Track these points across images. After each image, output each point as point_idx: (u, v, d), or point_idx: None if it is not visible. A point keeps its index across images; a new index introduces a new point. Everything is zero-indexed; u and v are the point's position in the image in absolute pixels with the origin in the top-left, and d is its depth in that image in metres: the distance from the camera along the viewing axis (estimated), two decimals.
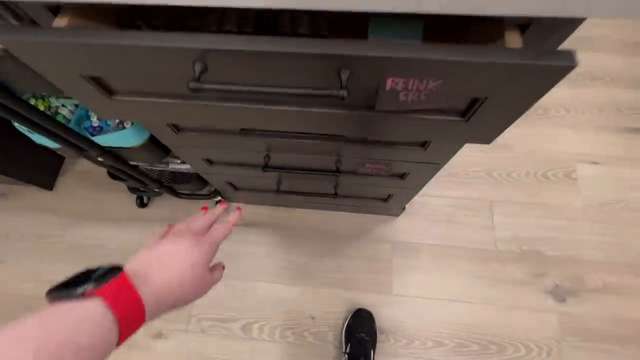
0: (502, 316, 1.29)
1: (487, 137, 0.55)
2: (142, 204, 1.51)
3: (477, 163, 1.52)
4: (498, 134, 0.54)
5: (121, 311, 0.34)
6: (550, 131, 1.55)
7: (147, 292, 0.37)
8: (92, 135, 0.99)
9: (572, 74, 1.63)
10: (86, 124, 1.01)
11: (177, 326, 1.34)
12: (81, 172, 1.60)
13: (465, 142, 0.61)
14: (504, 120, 0.50)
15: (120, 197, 1.51)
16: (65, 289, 0.34)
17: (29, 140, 1.04)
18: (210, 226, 0.50)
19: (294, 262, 1.41)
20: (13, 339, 0.29)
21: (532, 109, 1.59)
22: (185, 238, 0.44)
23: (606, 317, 1.27)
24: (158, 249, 0.42)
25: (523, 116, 1.61)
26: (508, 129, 1.60)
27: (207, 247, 0.45)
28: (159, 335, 1.33)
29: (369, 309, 1.31)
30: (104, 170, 1.44)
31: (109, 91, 0.52)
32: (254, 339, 1.31)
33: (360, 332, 1.25)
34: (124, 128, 0.98)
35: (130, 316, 0.35)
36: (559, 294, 1.31)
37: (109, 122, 1.01)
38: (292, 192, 1.09)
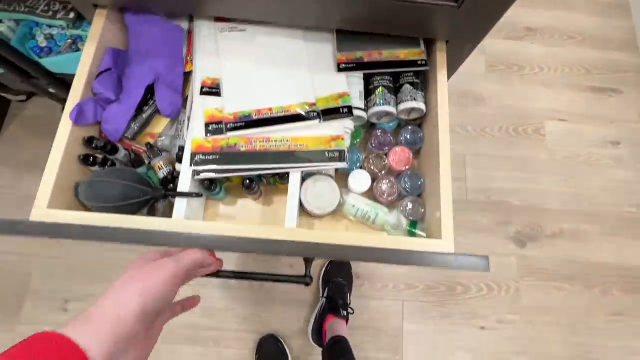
0: None
1: None
2: None
3: (454, 117, 1.57)
4: None
5: None
6: (524, 88, 1.64)
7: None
8: (40, 57, 0.88)
9: (550, 33, 1.73)
10: (31, 44, 0.89)
11: None
12: (31, 117, 1.48)
13: None
14: None
15: None
16: None
17: None
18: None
19: None
20: None
21: (509, 66, 1.68)
22: None
23: (559, 259, 1.43)
24: None
25: (500, 73, 1.77)
26: (485, 84, 1.69)
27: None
28: None
29: None
30: (57, 114, 1.35)
31: None
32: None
33: (338, 277, 1.32)
34: (78, 50, 0.87)
35: None
36: (520, 240, 1.44)
37: (59, 42, 0.89)
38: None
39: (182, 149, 0.62)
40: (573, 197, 1.52)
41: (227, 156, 0.60)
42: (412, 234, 0.61)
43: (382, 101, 0.64)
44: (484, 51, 1.70)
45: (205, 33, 0.69)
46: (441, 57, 0.67)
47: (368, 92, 0.67)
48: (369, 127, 0.72)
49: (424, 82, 0.67)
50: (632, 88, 1.68)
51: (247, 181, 0.61)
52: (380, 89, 0.64)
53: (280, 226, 0.56)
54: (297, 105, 0.63)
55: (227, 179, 0.66)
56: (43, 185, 0.56)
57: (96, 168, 0.61)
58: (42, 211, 0.54)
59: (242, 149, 0.61)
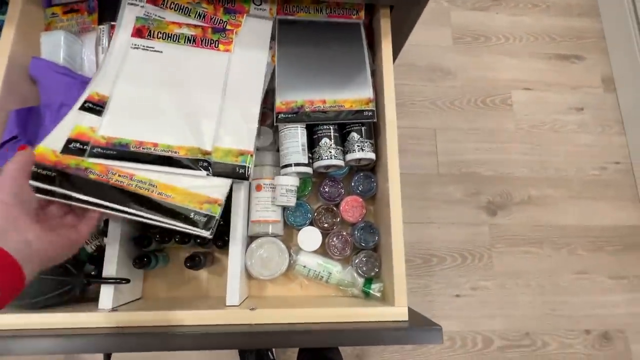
0: (443, 232, 1.36)
1: None
2: None
3: (423, 92, 1.47)
4: None
5: None
6: (490, 59, 1.51)
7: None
8: None
9: (515, 1, 1.58)
10: None
11: None
12: None
13: None
14: None
15: None
16: None
17: None
18: None
19: None
20: None
21: (475, 37, 1.54)
22: None
23: (528, 224, 1.38)
24: None
25: (467, 44, 1.63)
26: (453, 57, 1.56)
27: None
28: None
29: None
30: None
31: None
32: None
33: None
34: None
35: None
36: (491, 209, 1.39)
37: None
38: None
39: (107, 222, 0.50)
40: (540, 164, 1.45)
41: (69, 178, 0.45)
42: (366, 294, 0.52)
43: (327, 154, 0.52)
44: (449, 23, 1.55)
45: (118, 48, 0.55)
46: (385, 26, 0.57)
47: (312, 142, 0.55)
48: (318, 174, 0.61)
49: (372, 127, 0.55)
50: (593, 54, 1.57)
51: (190, 260, 0.51)
52: (325, 140, 0.52)
53: (223, 304, 0.46)
54: (188, 148, 0.50)
55: (164, 246, 0.54)
56: None
57: None
58: None
59: (91, 176, 0.46)
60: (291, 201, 0.53)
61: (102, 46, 0.57)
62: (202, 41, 0.57)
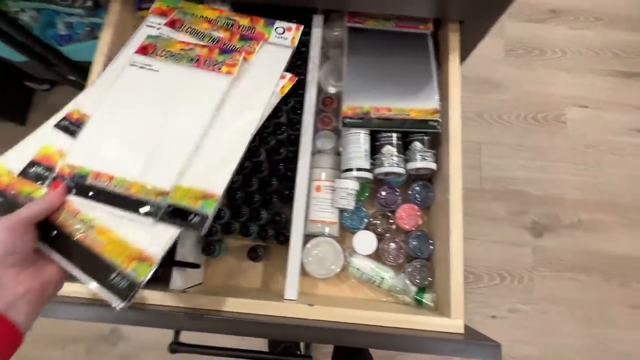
0: (482, 249, 1.35)
1: None
2: None
3: (469, 104, 1.46)
4: None
5: None
6: (545, 73, 1.49)
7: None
8: (60, 45, 0.87)
9: (575, 14, 1.55)
10: (52, 32, 0.87)
11: None
12: (53, 106, 1.43)
13: None
14: None
15: None
16: None
17: None
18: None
19: None
20: None
21: (528, 50, 1.52)
22: None
23: (577, 250, 1.34)
24: None
25: (519, 57, 1.59)
26: (504, 70, 1.53)
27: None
28: None
29: None
30: None
31: None
32: None
33: None
34: (96, 37, 0.77)
35: None
36: (537, 230, 1.37)
37: (78, 30, 0.87)
38: None
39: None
40: (593, 187, 1.41)
41: (11, 206, 0.42)
42: (419, 302, 0.54)
43: (389, 162, 0.55)
44: (502, 34, 1.54)
45: (117, 65, 0.55)
46: (454, 40, 0.59)
47: (374, 148, 0.58)
48: (376, 180, 0.63)
49: (435, 137, 0.57)
50: None
51: (252, 252, 0.54)
52: (387, 148, 0.55)
53: (279, 297, 0.50)
54: (141, 185, 0.45)
55: (224, 236, 0.57)
56: None
57: None
58: None
59: None
60: (350, 204, 0.56)
61: None
62: (205, 61, 0.54)
